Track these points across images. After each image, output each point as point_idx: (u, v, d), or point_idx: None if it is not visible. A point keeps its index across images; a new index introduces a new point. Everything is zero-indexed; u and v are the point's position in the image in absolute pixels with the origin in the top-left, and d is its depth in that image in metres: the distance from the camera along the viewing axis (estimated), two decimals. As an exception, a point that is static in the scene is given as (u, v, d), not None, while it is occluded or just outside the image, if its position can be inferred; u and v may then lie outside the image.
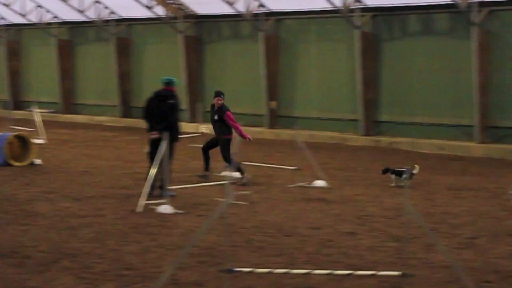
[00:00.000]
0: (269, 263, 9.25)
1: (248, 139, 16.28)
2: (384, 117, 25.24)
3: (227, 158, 16.07)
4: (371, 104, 25.17)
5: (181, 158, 16.42)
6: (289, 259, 9.54)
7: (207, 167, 16.36)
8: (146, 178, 13.71)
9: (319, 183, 15.60)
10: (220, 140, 16.14)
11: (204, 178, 16.13)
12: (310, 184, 15.60)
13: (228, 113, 16.14)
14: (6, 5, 34.65)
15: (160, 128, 13.75)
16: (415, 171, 15.89)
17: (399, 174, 15.86)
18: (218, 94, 16.42)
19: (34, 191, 14.41)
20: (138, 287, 8.21)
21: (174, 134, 13.81)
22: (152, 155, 13.89)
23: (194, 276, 8.63)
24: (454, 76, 23.51)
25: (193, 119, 29.32)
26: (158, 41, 31.87)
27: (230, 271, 7.84)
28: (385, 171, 16.18)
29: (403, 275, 7.86)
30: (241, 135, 16.23)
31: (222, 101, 16.29)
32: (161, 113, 13.96)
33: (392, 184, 15.83)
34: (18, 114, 33.37)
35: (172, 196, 13.24)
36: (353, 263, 9.36)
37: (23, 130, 22.71)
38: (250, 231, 11.13)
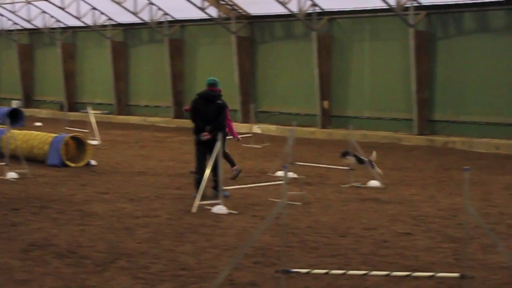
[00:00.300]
0: (324, 264, 9.19)
1: (237, 139, 16.56)
2: (438, 116, 24.97)
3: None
4: (425, 103, 24.92)
5: (234, 159, 16.44)
6: (344, 260, 9.47)
7: (232, 164, 16.31)
8: (196, 181, 13.75)
9: (373, 183, 15.51)
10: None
11: (236, 173, 16.16)
12: (364, 184, 15.51)
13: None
14: (62, 8, 35.18)
15: (210, 129, 13.73)
16: (372, 158, 15.86)
17: (359, 160, 15.85)
18: None
19: (90, 191, 14.57)
20: (194, 288, 8.24)
21: (224, 135, 13.83)
22: (200, 156, 13.90)
23: (249, 276, 8.62)
24: (510, 74, 23.14)
25: (245, 120, 29.40)
26: (211, 42, 32.02)
27: (287, 271, 7.80)
28: (344, 154, 16.10)
29: (462, 277, 7.75)
30: (232, 133, 16.39)
31: None
32: (210, 114, 13.89)
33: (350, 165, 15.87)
34: (73, 115, 33.83)
35: (226, 196, 13.26)
36: (409, 264, 9.26)
37: (78, 131, 23.00)
38: (304, 232, 11.09)
